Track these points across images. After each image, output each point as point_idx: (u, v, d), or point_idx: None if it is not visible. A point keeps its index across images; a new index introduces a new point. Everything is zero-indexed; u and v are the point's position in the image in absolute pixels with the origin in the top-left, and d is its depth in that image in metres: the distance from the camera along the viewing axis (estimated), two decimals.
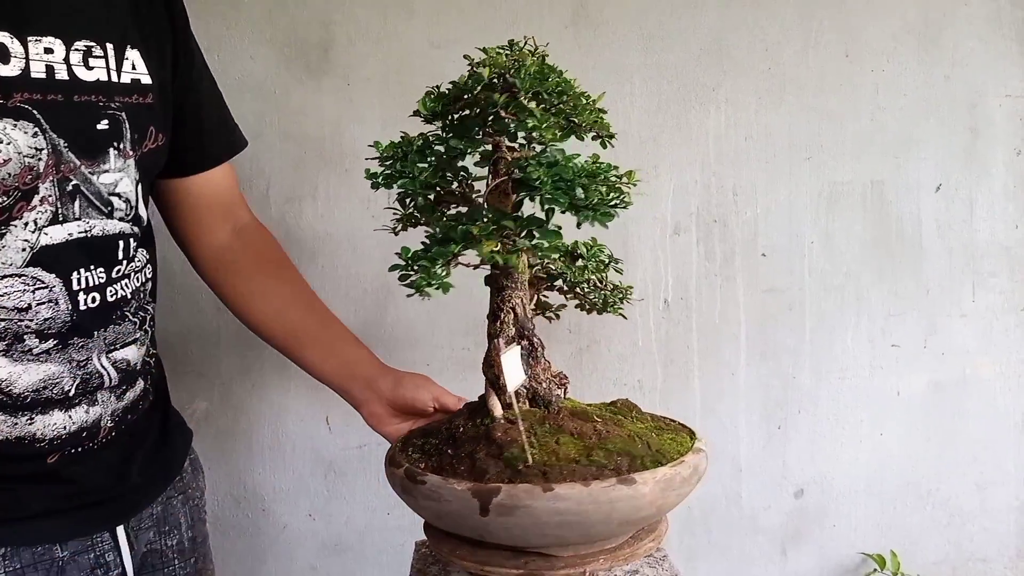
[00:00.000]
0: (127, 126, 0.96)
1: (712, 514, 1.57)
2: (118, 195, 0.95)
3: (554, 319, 1.02)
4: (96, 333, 0.94)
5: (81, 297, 0.92)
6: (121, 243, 0.97)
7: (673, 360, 1.53)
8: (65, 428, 0.93)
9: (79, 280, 0.92)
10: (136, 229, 0.99)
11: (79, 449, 0.95)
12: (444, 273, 0.87)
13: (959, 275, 1.57)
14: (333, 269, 1.49)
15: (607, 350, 1.53)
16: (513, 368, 0.91)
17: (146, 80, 0.99)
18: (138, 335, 1.00)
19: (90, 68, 0.92)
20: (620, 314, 0.98)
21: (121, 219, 0.96)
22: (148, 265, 1.05)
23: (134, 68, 0.98)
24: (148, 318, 1.04)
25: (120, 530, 1.00)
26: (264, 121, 1.46)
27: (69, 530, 0.95)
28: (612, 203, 0.85)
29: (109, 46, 0.95)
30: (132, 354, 0.99)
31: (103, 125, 0.93)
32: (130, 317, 0.99)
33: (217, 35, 1.44)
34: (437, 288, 0.86)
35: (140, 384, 1.03)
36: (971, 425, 1.60)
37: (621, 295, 0.99)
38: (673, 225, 1.51)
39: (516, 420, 0.87)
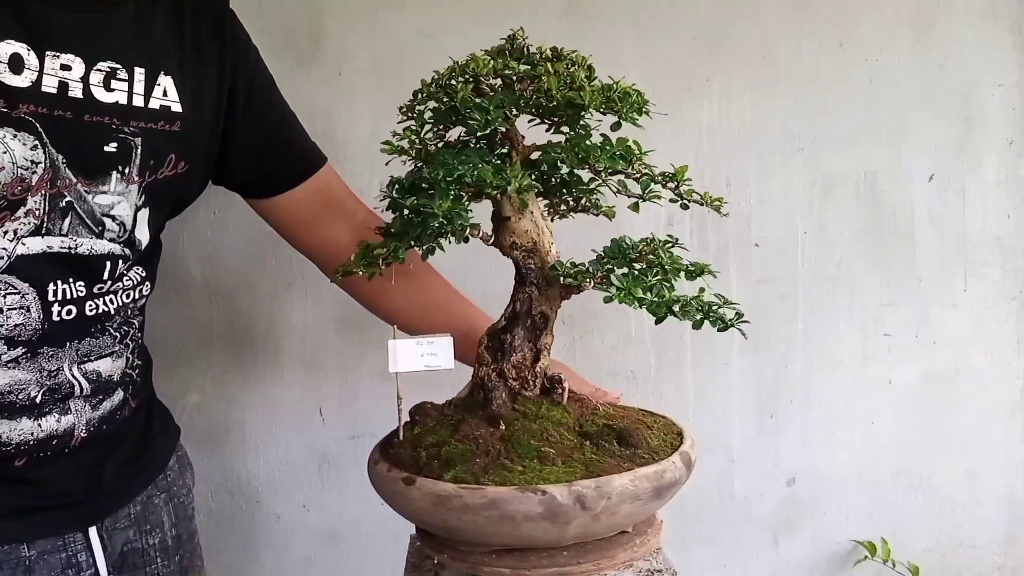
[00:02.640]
0: (139, 151, 0.95)
1: (705, 504, 1.57)
2: (112, 217, 0.94)
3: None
4: (68, 344, 0.94)
5: (55, 308, 0.91)
6: (108, 263, 0.96)
7: (666, 350, 1.53)
8: (33, 435, 0.92)
9: (55, 292, 0.91)
10: (128, 251, 0.98)
11: (48, 453, 0.94)
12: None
13: (951, 265, 1.58)
14: None
15: (600, 340, 1.53)
16: (403, 354, 0.95)
17: (176, 108, 0.99)
18: (116, 348, 1.00)
19: (110, 90, 0.92)
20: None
21: (112, 240, 0.95)
22: (145, 283, 1.04)
23: (165, 95, 0.98)
24: (132, 332, 1.03)
25: (93, 531, 0.99)
26: None
27: (36, 530, 0.95)
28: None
29: (139, 70, 0.95)
30: (107, 366, 0.98)
31: (111, 147, 0.92)
32: (111, 331, 0.99)
33: None
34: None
35: (119, 394, 1.02)
36: (962, 414, 1.61)
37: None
38: (667, 216, 1.51)
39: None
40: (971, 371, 1.60)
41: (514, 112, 0.89)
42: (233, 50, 1.07)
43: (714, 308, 0.86)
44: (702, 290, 0.88)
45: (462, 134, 0.90)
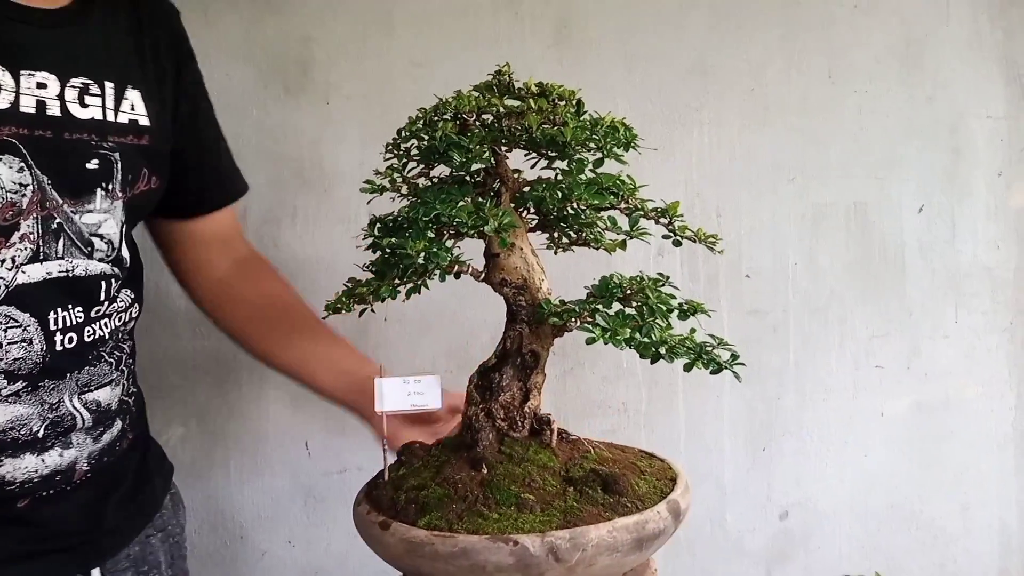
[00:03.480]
0: (119, 167, 0.94)
1: (697, 537, 1.55)
2: (100, 236, 0.93)
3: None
4: (69, 375, 0.91)
5: (58, 337, 0.89)
6: (103, 284, 0.94)
7: (657, 382, 1.52)
8: (37, 471, 0.89)
9: (56, 320, 0.89)
10: (117, 270, 0.97)
11: (51, 492, 0.91)
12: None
13: (942, 296, 1.57)
14: (312, 292, 1.44)
15: (591, 372, 1.51)
16: (389, 392, 0.94)
17: (144, 121, 0.97)
18: (113, 376, 0.98)
19: (85, 106, 0.91)
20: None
21: (101, 260, 0.94)
22: (134, 305, 1.02)
23: (133, 108, 0.96)
24: (124, 357, 1.01)
25: (96, 572, 0.96)
26: (241, 140, 1.43)
27: (39, 575, 0.91)
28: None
29: (108, 85, 0.93)
30: (107, 395, 0.96)
31: (93, 164, 0.91)
32: (106, 357, 0.97)
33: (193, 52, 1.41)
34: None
35: (117, 425, 0.99)
36: (954, 446, 1.60)
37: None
38: (657, 246, 1.49)
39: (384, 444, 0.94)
40: (963, 403, 1.59)
41: (503, 148, 0.88)
42: (186, 67, 1.08)
43: (707, 349, 0.84)
44: (693, 330, 0.86)
45: (453, 171, 0.89)
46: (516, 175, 0.91)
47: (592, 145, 0.86)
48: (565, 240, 0.92)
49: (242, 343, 1.19)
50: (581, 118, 0.86)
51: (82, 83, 0.91)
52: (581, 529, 0.76)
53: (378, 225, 0.90)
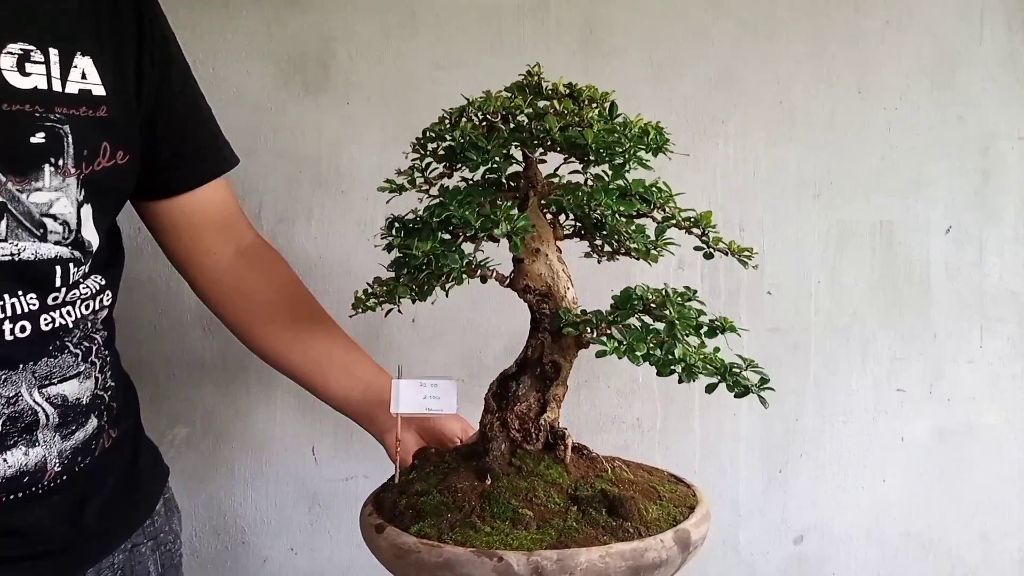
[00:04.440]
0: (70, 140, 0.85)
1: (709, 559, 1.51)
2: (53, 217, 0.85)
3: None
4: (23, 366, 0.85)
5: (7, 326, 0.83)
6: (58, 268, 0.87)
7: (673, 399, 1.48)
8: (1, 472, 0.84)
9: (4, 307, 0.83)
10: (77, 254, 0.89)
11: (21, 495, 0.85)
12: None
13: (967, 320, 1.53)
14: (325, 294, 1.41)
15: (606, 386, 1.48)
16: (405, 394, 0.93)
17: (99, 91, 0.89)
18: (82, 368, 0.91)
19: (26, 74, 0.83)
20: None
21: (57, 243, 0.86)
22: (105, 292, 0.95)
23: (84, 77, 0.88)
24: (96, 348, 0.94)
25: None
26: (258, 138, 1.42)
27: None
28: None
29: (53, 52, 0.86)
30: (75, 389, 0.90)
31: (38, 138, 0.83)
32: (71, 348, 0.90)
33: (212, 47, 1.40)
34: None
35: (92, 422, 0.93)
36: (975, 474, 1.55)
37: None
38: (677, 259, 1.46)
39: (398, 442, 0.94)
40: (985, 430, 1.55)
41: (537, 151, 0.85)
42: (152, 26, 0.97)
43: (734, 370, 0.81)
44: (718, 349, 0.83)
45: (482, 173, 0.87)
46: (549, 179, 0.88)
47: (618, 149, 0.83)
48: (609, 248, 0.89)
49: (248, 341, 1.12)
50: (614, 121, 0.83)
51: (21, 49, 0.83)
52: (571, 551, 0.72)
53: (396, 225, 0.88)
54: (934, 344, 1.53)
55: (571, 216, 0.90)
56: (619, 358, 0.80)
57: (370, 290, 0.87)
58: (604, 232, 0.88)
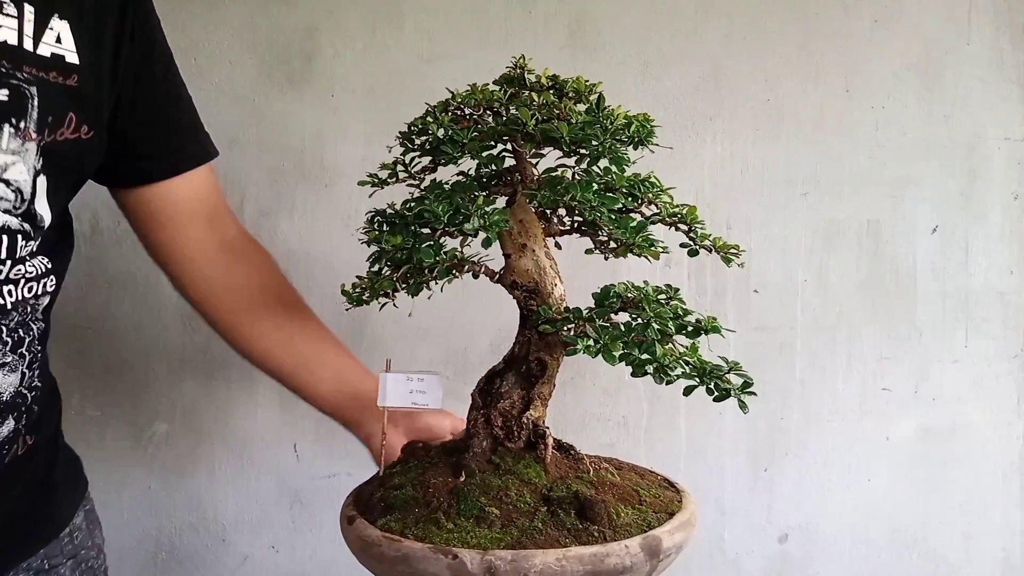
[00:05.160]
0: (35, 103, 0.79)
1: (693, 558, 1.51)
2: (6, 182, 0.78)
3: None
4: None
5: None
6: (5, 239, 0.79)
7: (660, 397, 1.48)
8: None
9: None
10: (27, 227, 0.82)
11: None
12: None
13: (952, 320, 1.54)
14: (308, 289, 1.40)
15: (592, 384, 1.47)
16: (392, 388, 0.92)
17: (72, 58, 0.84)
18: (8, 359, 0.82)
19: None
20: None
21: (7, 211, 0.79)
22: (49, 277, 0.87)
23: (59, 41, 0.83)
24: (29, 340, 0.86)
25: None
26: (241, 130, 1.40)
27: None
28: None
29: (28, 8, 0.80)
30: None
31: (1, 95, 0.77)
32: (3, 334, 0.82)
33: (195, 38, 1.37)
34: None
35: (9, 424, 0.84)
36: (959, 474, 1.56)
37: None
38: (664, 258, 1.45)
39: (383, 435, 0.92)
40: (970, 429, 1.55)
41: (527, 146, 0.83)
42: (135, 9, 0.92)
43: (715, 373, 0.79)
44: (695, 346, 0.81)
45: (479, 167, 0.85)
46: (545, 175, 0.87)
47: (593, 143, 0.82)
48: (613, 244, 0.87)
49: (234, 340, 1.06)
50: (600, 113, 0.82)
51: None
52: (526, 552, 0.71)
53: (377, 219, 0.87)
54: (920, 344, 1.53)
55: (568, 212, 0.89)
56: (592, 357, 0.78)
57: (359, 284, 0.86)
58: (610, 228, 0.87)
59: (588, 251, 0.94)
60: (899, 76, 1.50)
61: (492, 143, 0.85)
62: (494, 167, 0.88)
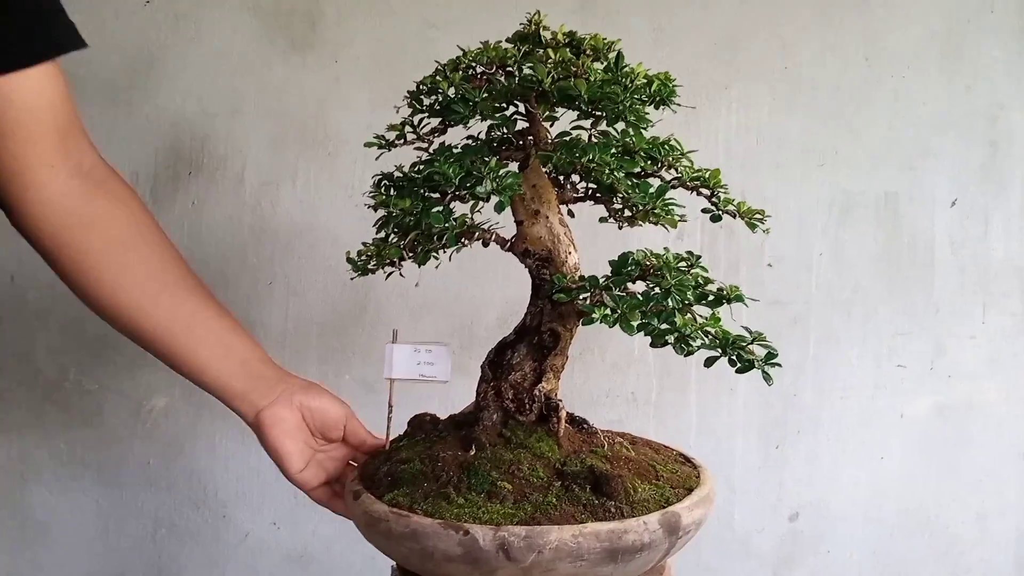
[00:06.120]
0: None
1: (703, 536, 1.47)
2: None
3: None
4: None
5: None
6: None
7: (670, 372, 1.44)
8: None
9: None
10: None
11: None
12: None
13: (970, 295, 1.50)
14: (311, 260, 1.38)
15: (600, 359, 1.44)
16: (399, 359, 0.89)
17: None
18: None
19: None
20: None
21: None
22: None
23: None
24: None
25: None
26: (242, 97, 1.35)
27: None
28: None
29: None
30: None
31: None
32: None
33: (194, 1, 1.33)
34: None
35: None
36: (974, 452, 1.53)
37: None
38: (677, 229, 1.41)
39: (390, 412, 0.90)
40: (985, 407, 1.52)
41: (541, 107, 0.80)
42: None
43: (737, 343, 0.76)
44: (717, 318, 0.78)
45: (490, 130, 0.82)
46: (560, 138, 0.83)
47: (610, 101, 0.78)
48: (628, 213, 0.84)
49: (94, 293, 0.85)
50: (619, 72, 0.78)
51: None
52: (541, 528, 0.68)
53: (384, 183, 0.83)
54: (936, 319, 1.49)
55: (583, 178, 0.85)
56: (610, 327, 0.75)
57: (365, 252, 0.83)
58: (624, 195, 0.83)
59: (602, 219, 0.91)
60: (920, 45, 1.46)
61: (504, 104, 0.81)
62: (505, 130, 0.84)
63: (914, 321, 1.49)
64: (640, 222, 0.86)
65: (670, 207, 0.82)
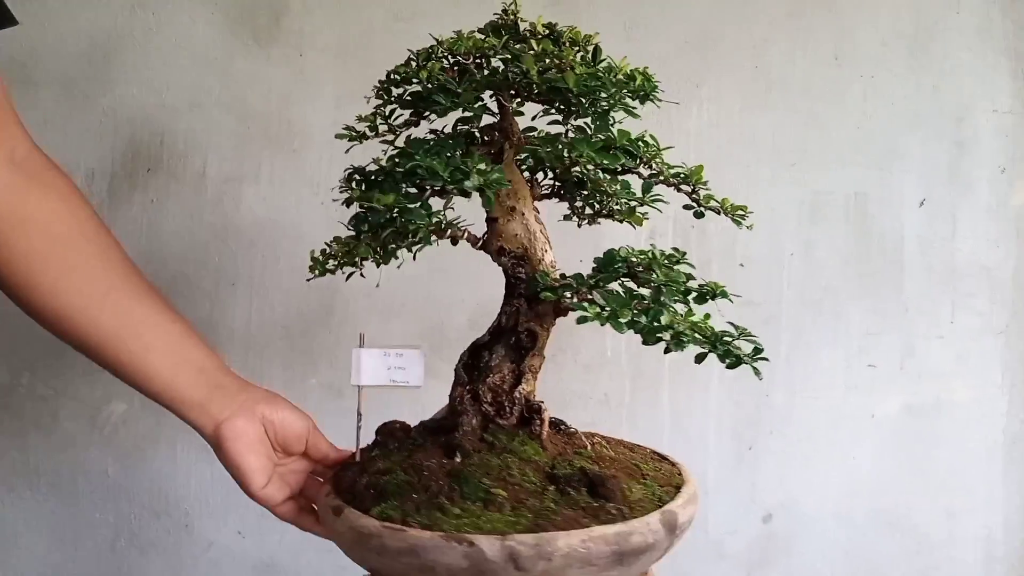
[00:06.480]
0: None
1: None
2: None
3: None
4: None
5: None
6: None
7: (642, 373, 1.43)
8: None
9: None
10: None
11: None
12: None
13: (938, 294, 1.51)
14: (274, 260, 1.34)
15: (573, 360, 1.42)
16: (367, 365, 0.86)
17: None
18: None
19: None
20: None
21: None
22: None
23: None
24: None
25: None
26: (203, 91, 1.31)
27: None
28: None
29: None
30: None
31: None
32: None
33: None
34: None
35: None
36: (943, 451, 1.53)
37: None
38: (649, 229, 1.40)
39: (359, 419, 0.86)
40: (954, 406, 1.53)
41: (513, 100, 0.77)
42: None
43: (725, 339, 0.75)
44: (708, 316, 0.78)
45: (456, 124, 0.79)
46: (527, 133, 0.81)
47: (602, 95, 0.76)
48: (589, 211, 0.82)
49: (25, 292, 0.79)
50: (597, 66, 0.76)
51: None
52: (549, 535, 0.66)
53: (356, 178, 0.80)
54: (905, 319, 1.50)
55: (549, 174, 0.83)
56: (601, 324, 0.74)
57: (328, 251, 0.79)
58: (585, 191, 0.82)
59: (565, 217, 0.89)
60: (888, 44, 1.46)
61: (480, 96, 0.79)
62: (473, 124, 0.82)
63: (884, 321, 1.49)
64: (599, 220, 0.84)
65: (656, 203, 0.81)
